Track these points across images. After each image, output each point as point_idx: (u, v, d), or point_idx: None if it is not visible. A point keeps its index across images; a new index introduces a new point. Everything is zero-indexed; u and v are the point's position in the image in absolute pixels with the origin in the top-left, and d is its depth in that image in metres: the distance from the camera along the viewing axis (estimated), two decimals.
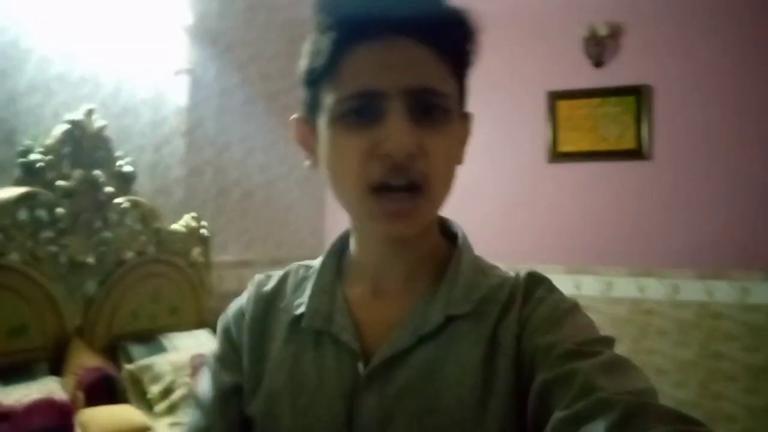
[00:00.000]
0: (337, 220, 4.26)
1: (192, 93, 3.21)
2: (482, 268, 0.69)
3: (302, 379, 0.65)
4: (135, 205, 2.70)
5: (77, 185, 2.46)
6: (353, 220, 0.68)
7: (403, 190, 0.59)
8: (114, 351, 2.56)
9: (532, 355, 0.58)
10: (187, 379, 2.52)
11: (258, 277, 0.75)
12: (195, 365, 2.59)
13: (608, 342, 0.59)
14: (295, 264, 0.76)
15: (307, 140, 0.68)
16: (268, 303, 0.72)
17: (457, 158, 0.65)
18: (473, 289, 0.65)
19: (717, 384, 3.41)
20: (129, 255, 2.68)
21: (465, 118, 0.68)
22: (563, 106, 3.78)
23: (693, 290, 3.47)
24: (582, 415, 0.49)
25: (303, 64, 0.65)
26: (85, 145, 2.52)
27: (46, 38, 2.53)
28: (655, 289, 3.55)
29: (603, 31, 3.67)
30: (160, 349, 2.64)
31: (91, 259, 2.50)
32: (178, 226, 2.95)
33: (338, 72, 0.60)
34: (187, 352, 2.65)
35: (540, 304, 0.62)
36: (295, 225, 4.04)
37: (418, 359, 0.62)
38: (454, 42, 0.62)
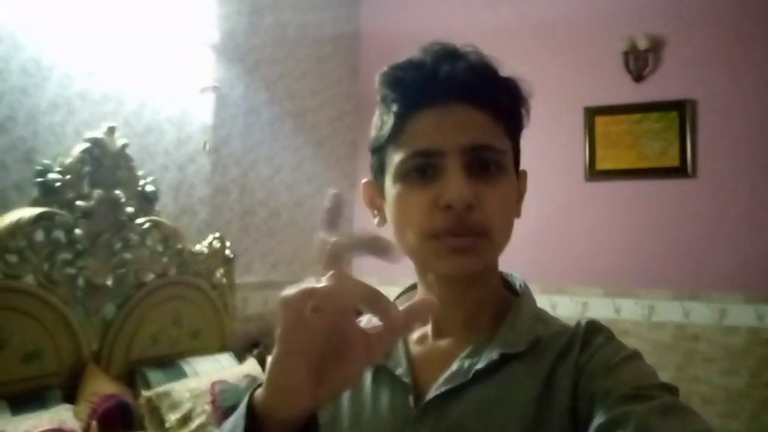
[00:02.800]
0: None
1: (218, 111, 3.16)
2: (542, 318, 0.72)
3: (359, 410, 0.69)
4: (156, 225, 2.64)
5: (96, 205, 2.40)
6: (418, 265, 0.72)
7: (465, 235, 0.64)
8: (132, 377, 2.49)
9: (590, 400, 0.59)
10: (207, 407, 2.43)
11: None
12: (215, 392, 2.50)
13: (668, 389, 0.58)
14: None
15: (375, 201, 0.74)
16: None
17: (513, 210, 0.70)
18: (530, 332, 0.68)
19: None
20: (149, 277, 2.61)
21: (520, 175, 0.73)
22: (601, 122, 3.67)
23: (742, 315, 3.32)
24: None
25: (371, 133, 0.72)
26: (105, 164, 2.46)
27: (69, 55, 2.49)
28: (700, 313, 3.40)
29: (643, 44, 3.55)
30: (180, 374, 2.57)
31: (109, 282, 2.44)
32: (201, 246, 2.88)
33: (402, 136, 0.67)
34: (208, 378, 2.57)
35: (599, 351, 0.64)
36: None
37: (473, 396, 0.64)
38: (506, 105, 0.68)
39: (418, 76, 0.67)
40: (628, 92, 3.60)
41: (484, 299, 0.71)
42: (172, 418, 2.35)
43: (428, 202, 0.64)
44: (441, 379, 0.66)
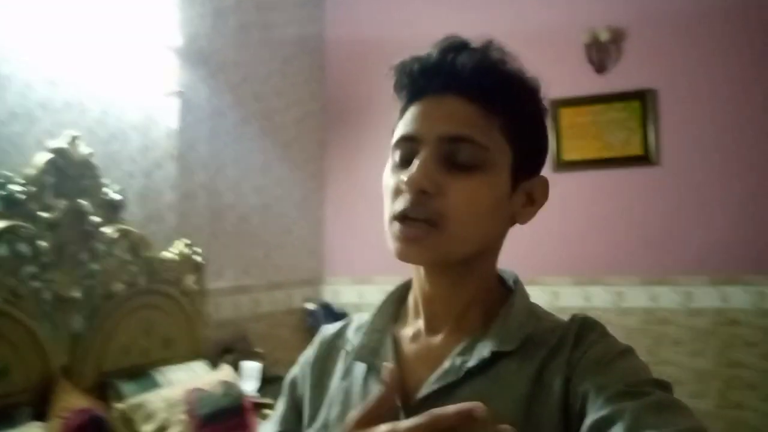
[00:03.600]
0: (336, 242, 4.19)
1: (183, 115, 3.11)
2: (536, 314, 0.71)
3: (348, 410, 0.69)
4: (124, 234, 2.59)
5: (61, 216, 2.35)
6: None
7: (418, 221, 0.64)
8: (104, 390, 2.43)
9: (583, 397, 0.59)
10: (183, 416, 2.40)
11: (324, 326, 0.84)
12: (190, 400, 2.47)
13: (661, 384, 0.59)
14: (360, 314, 0.83)
15: None
16: (331, 344, 0.79)
17: (487, 209, 0.67)
18: (522, 329, 0.68)
19: (736, 393, 3.31)
20: (118, 287, 2.56)
21: (537, 182, 0.71)
22: (566, 113, 3.71)
23: (707, 297, 3.41)
24: None
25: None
26: (69, 173, 2.41)
27: (28, 63, 2.43)
28: (668, 297, 3.48)
29: (604, 36, 3.60)
30: (153, 384, 2.52)
31: (77, 294, 2.38)
32: (170, 253, 2.84)
33: (399, 123, 0.70)
34: (182, 387, 2.53)
35: (592, 347, 0.64)
36: (293, 248, 3.93)
37: (465, 394, 0.64)
38: (504, 101, 0.67)
39: (422, 66, 0.68)
40: (591, 84, 3.65)
41: (475, 296, 0.71)
42: (147, 429, 2.32)
43: (396, 186, 0.66)
44: (433, 377, 0.66)
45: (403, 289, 0.78)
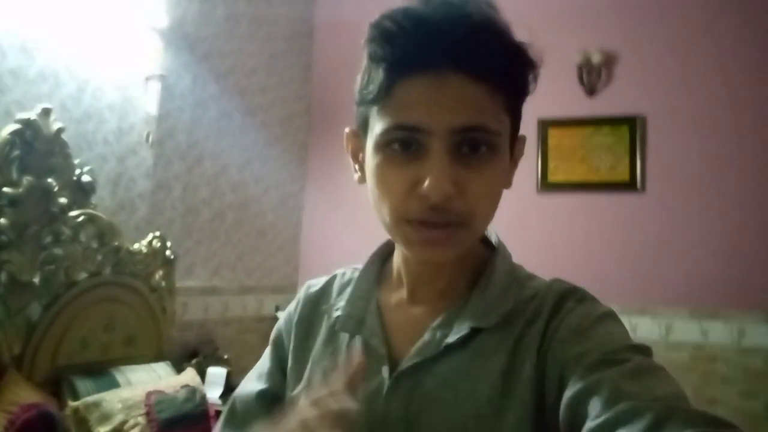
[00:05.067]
0: (313, 249, 4.04)
1: (163, 101, 2.96)
2: (518, 279, 0.69)
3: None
4: (92, 219, 2.42)
5: (25, 193, 2.17)
6: (393, 239, 0.70)
7: (441, 227, 0.61)
8: (58, 385, 2.26)
9: (562, 367, 0.58)
10: (140, 419, 2.22)
11: (309, 281, 0.82)
12: (150, 403, 2.29)
13: (639, 349, 0.57)
14: (344, 267, 0.80)
15: (358, 154, 0.70)
16: (314, 304, 0.78)
17: (498, 194, 0.65)
18: (503, 301, 0.66)
19: None
20: (81, 276, 2.38)
21: (518, 141, 0.68)
22: (554, 134, 3.67)
23: (687, 330, 3.35)
24: (611, 425, 0.48)
25: (357, 82, 0.66)
26: (37, 148, 2.24)
27: (1, 27, 2.26)
28: (648, 327, 3.41)
29: (596, 58, 3.59)
30: (112, 383, 2.36)
31: (36, 279, 2.20)
32: (139, 245, 2.67)
33: (388, 102, 0.61)
34: (142, 388, 2.38)
35: (568, 316, 0.62)
36: (268, 250, 3.77)
37: (444, 368, 0.64)
38: (509, 77, 0.62)
39: (413, 34, 0.59)
40: (581, 105, 3.62)
41: (462, 270, 0.69)
42: (102, 430, 2.15)
43: (407, 184, 0.60)
44: (413, 350, 0.65)
45: (386, 249, 0.77)
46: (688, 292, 3.34)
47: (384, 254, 0.77)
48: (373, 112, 0.63)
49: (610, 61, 3.60)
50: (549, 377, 0.59)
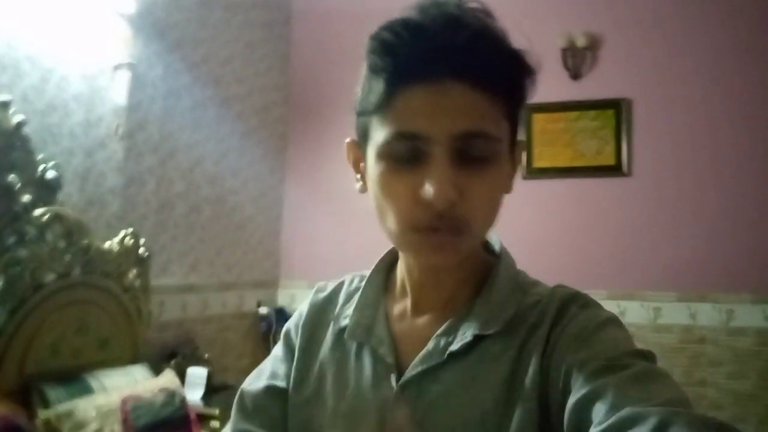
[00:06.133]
0: (294, 243, 3.97)
1: (133, 91, 2.85)
2: (521, 285, 0.71)
3: (343, 387, 0.71)
4: (58, 217, 2.32)
5: None
6: (397, 248, 0.72)
7: (447, 231, 0.62)
8: (27, 394, 2.16)
9: (566, 373, 0.58)
10: (117, 427, 2.12)
11: (319, 284, 0.83)
12: (126, 410, 2.18)
13: (642, 355, 0.58)
14: (352, 274, 0.82)
15: (359, 164, 0.71)
16: (321, 310, 0.79)
17: (499, 199, 0.67)
18: (506, 308, 0.68)
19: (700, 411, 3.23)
20: (49, 277, 2.29)
21: (517, 146, 0.70)
22: (539, 119, 3.63)
23: (675, 313, 3.36)
24: (615, 430, 0.49)
25: (357, 93, 0.68)
26: None
27: None
28: (636, 312, 3.41)
29: (581, 42, 3.54)
30: (85, 390, 2.26)
31: (0, 282, 2.09)
32: (111, 243, 2.57)
33: (389, 111, 0.62)
34: (118, 394, 2.29)
35: (571, 322, 0.63)
36: (247, 245, 3.68)
37: (449, 376, 0.65)
38: (508, 84, 0.63)
39: (412, 44, 0.60)
40: (565, 90, 3.59)
41: (465, 278, 0.71)
42: None
43: (411, 191, 0.62)
44: (417, 359, 0.67)
45: (391, 257, 0.78)
46: (676, 275, 3.35)
47: (389, 262, 0.78)
48: (374, 121, 0.64)
49: (594, 44, 3.57)
50: (553, 383, 0.60)
